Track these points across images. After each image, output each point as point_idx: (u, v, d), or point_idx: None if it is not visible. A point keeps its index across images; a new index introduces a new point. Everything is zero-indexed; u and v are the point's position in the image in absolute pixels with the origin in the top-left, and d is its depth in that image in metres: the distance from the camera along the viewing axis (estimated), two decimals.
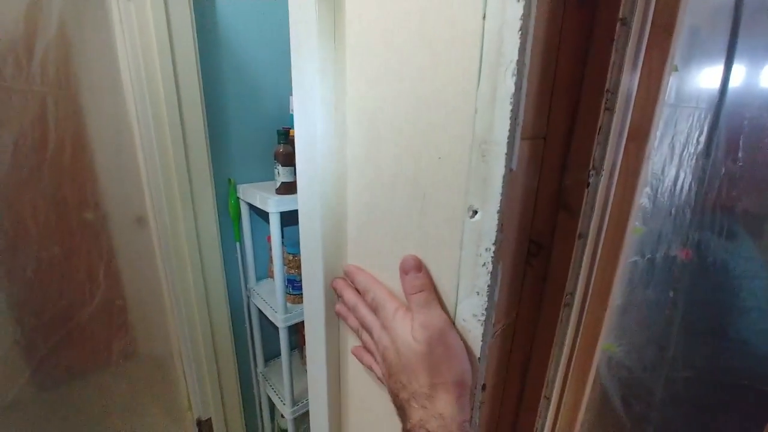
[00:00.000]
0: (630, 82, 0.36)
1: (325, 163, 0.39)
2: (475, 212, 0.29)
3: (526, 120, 0.30)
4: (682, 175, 0.70)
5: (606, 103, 0.34)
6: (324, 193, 0.40)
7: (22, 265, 0.90)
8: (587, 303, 0.42)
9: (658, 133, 0.60)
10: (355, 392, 0.48)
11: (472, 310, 0.31)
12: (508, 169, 0.27)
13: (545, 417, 0.46)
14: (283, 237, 1.07)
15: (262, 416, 1.42)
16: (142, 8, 0.89)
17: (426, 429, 0.29)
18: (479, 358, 0.32)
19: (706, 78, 0.69)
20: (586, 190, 0.36)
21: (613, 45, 0.33)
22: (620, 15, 0.32)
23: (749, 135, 0.67)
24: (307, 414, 0.61)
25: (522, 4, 0.24)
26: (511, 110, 0.25)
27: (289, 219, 1.03)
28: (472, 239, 0.29)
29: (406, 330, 0.32)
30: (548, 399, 0.44)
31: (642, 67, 0.37)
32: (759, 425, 0.57)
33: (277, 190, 1.05)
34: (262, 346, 1.31)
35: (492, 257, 0.29)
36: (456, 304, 0.32)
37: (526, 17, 0.24)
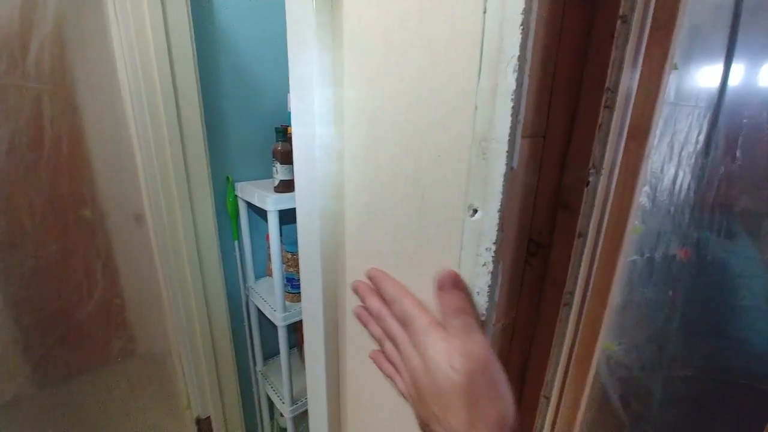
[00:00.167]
0: (630, 79, 0.35)
1: (323, 163, 0.39)
2: (476, 211, 0.29)
3: (526, 118, 0.29)
4: (681, 174, 0.70)
5: (606, 101, 0.34)
6: (322, 193, 0.40)
7: (20, 264, 0.90)
8: (587, 302, 0.42)
9: (658, 132, 0.60)
10: (353, 391, 0.48)
11: None
12: (509, 167, 0.27)
13: (544, 416, 0.45)
14: (281, 235, 1.07)
15: (261, 415, 1.42)
16: (139, 5, 0.88)
17: None
18: None
19: (705, 76, 0.69)
20: (586, 189, 0.36)
21: (613, 42, 0.32)
22: (620, 12, 0.32)
23: (748, 134, 0.67)
24: (306, 413, 0.61)
25: None
26: (512, 107, 0.25)
27: (288, 217, 1.02)
28: (473, 239, 0.29)
29: (442, 355, 0.29)
30: (547, 398, 0.44)
31: (642, 65, 0.37)
32: (758, 424, 0.57)
33: (275, 188, 1.04)
34: (261, 344, 1.31)
35: (492, 257, 0.28)
36: None
37: (527, 12, 0.24)
